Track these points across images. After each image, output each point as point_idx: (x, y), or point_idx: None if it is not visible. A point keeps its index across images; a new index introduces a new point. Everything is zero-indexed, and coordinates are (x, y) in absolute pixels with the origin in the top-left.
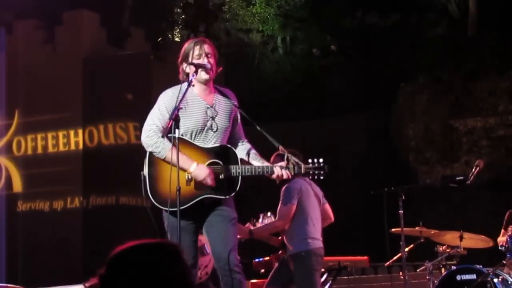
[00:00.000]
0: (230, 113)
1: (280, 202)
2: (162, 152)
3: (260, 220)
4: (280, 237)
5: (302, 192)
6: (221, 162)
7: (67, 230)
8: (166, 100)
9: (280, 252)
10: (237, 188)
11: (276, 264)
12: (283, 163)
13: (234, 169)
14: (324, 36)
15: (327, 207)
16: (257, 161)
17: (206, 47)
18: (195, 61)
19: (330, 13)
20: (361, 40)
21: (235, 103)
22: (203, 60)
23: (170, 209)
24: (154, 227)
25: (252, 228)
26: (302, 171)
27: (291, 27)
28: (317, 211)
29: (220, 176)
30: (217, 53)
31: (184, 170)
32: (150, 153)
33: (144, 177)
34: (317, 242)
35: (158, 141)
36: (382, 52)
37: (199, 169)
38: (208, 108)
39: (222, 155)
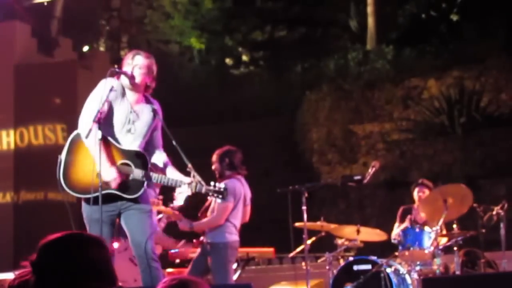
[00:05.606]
0: (150, 122)
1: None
2: (89, 140)
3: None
4: None
5: (236, 193)
6: (132, 164)
7: None
8: (101, 90)
9: (202, 238)
10: (141, 191)
11: (197, 252)
12: (189, 179)
13: (142, 173)
14: (237, 47)
15: (248, 209)
16: (171, 173)
17: (138, 59)
18: (123, 69)
19: (242, 27)
20: (271, 51)
21: (159, 115)
22: (129, 69)
23: (78, 195)
24: (71, 221)
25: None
26: (203, 191)
27: (206, 38)
28: (240, 212)
29: (130, 177)
30: (154, 68)
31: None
32: (72, 140)
33: (60, 161)
34: (234, 236)
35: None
36: (290, 63)
37: (108, 171)
38: (131, 112)
39: (135, 158)
